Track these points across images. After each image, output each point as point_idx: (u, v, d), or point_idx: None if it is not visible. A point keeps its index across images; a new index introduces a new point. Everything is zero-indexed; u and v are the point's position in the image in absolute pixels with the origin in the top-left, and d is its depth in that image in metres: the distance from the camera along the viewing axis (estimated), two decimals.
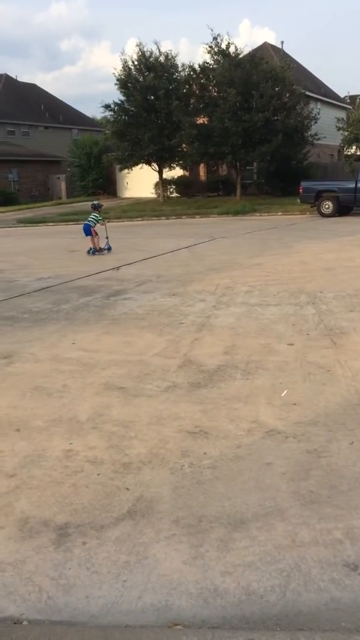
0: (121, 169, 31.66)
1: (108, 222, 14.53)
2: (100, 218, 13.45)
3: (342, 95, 40.55)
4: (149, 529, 2.58)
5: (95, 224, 13.10)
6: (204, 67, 26.78)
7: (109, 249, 13.03)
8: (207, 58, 26.72)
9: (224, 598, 2.15)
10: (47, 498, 2.86)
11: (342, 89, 55.48)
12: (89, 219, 13.33)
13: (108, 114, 29.50)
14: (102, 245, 12.98)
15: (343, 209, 20.01)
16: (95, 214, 13.43)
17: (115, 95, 37.31)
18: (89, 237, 12.96)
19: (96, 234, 12.92)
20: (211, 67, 26.47)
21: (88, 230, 13.01)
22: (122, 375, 4.63)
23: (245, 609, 2.09)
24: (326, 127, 29.64)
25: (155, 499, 2.81)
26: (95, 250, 12.86)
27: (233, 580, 2.23)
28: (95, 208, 13.83)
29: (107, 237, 13.08)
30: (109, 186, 37.33)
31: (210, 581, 2.24)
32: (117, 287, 8.44)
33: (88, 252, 12.91)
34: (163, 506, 2.75)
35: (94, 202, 14.91)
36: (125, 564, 2.36)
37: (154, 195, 32.91)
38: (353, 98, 37.05)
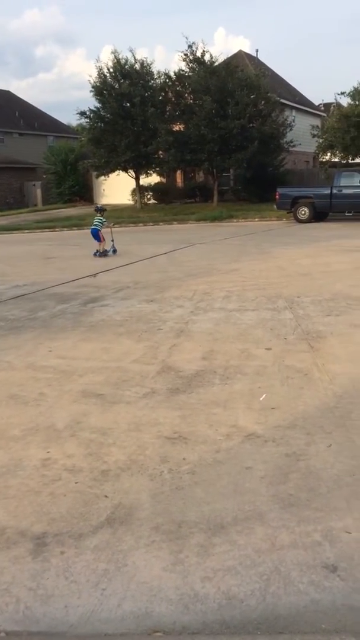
0: (98, 176, 31.61)
1: (114, 225, 15.15)
2: (104, 221, 13.88)
3: (316, 103, 41.10)
4: (128, 536, 2.55)
5: (101, 227, 13.54)
6: (180, 75, 26.95)
7: (115, 251, 13.51)
8: (183, 66, 26.91)
9: (204, 603, 2.13)
10: (24, 508, 2.82)
11: (317, 97, 56.25)
12: (95, 222, 13.77)
13: (84, 121, 29.47)
14: (106, 248, 13.50)
15: (319, 215, 20.24)
16: (99, 217, 13.84)
17: (91, 102, 37.27)
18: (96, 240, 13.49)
19: (104, 237, 13.44)
20: (187, 74, 26.64)
21: (96, 234, 13.46)
22: (100, 382, 4.60)
23: (225, 613, 2.08)
24: (301, 134, 30.01)
25: (135, 505, 2.79)
26: (101, 253, 13.33)
27: (213, 585, 2.22)
28: (99, 211, 14.31)
29: (112, 240, 13.59)
30: (85, 193, 37.21)
31: (190, 587, 2.22)
32: (94, 294, 8.40)
33: (94, 254, 13.35)
34: (142, 513, 2.73)
35: (97, 205, 15.83)
36: (105, 572, 2.33)
37: (131, 202, 32.90)
38: (327, 106, 37.57)
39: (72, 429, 3.71)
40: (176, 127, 26.98)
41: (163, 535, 2.55)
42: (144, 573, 2.31)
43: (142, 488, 2.95)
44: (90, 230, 14.10)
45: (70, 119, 57.98)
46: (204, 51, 26.40)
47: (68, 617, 2.11)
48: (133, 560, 2.39)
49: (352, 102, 23.70)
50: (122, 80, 27.61)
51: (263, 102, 25.96)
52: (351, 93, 23.85)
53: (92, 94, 28.03)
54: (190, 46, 26.31)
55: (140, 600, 2.17)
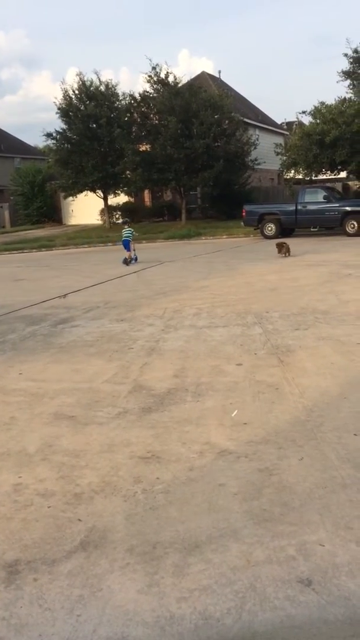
0: (66, 197, 31.63)
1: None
2: (133, 232, 15.99)
3: (279, 122, 42.00)
4: (103, 560, 2.52)
5: (132, 237, 15.57)
6: (145, 96, 27.29)
7: (136, 259, 15.40)
8: (147, 87, 27.25)
9: (180, 624, 2.12)
10: None
11: (279, 116, 57.49)
12: (126, 234, 15.66)
13: (50, 142, 29.55)
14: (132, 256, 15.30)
15: (285, 231, 20.58)
16: (129, 229, 15.81)
17: (57, 123, 37.39)
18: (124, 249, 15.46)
19: (134, 247, 15.45)
20: (151, 95, 26.99)
21: (128, 245, 15.42)
22: (72, 403, 4.56)
23: (202, 634, 2.07)
24: (265, 152, 30.56)
25: (108, 528, 2.77)
26: (129, 260, 15.12)
27: (189, 606, 2.21)
28: (126, 223, 16.76)
29: (134, 249, 15.54)
30: (54, 214, 37.13)
31: (166, 608, 2.21)
32: (64, 315, 8.35)
33: (124, 262, 15.11)
34: (116, 535, 2.70)
35: (125, 219, 18.82)
36: (79, 597, 2.30)
37: (100, 222, 32.94)
38: (289, 124, 38.41)
39: (43, 453, 3.67)
40: (142, 147, 27.24)
41: (138, 557, 2.53)
42: (119, 596, 2.29)
43: (115, 510, 2.92)
44: (122, 241, 15.94)
45: (37, 141, 57.99)
46: (167, 73, 26.84)
47: None
48: (108, 584, 2.37)
49: (313, 121, 24.28)
50: (87, 102, 27.83)
51: (227, 121, 26.45)
52: (312, 112, 24.44)
53: (58, 115, 28.18)
54: (154, 68, 26.69)
55: (116, 624, 2.14)
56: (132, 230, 16.03)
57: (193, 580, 2.35)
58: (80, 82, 28.05)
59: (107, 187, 29.14)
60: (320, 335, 6.11)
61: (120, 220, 32.27)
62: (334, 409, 4.05)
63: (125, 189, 29.51)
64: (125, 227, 16.23)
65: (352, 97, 24.56)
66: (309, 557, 2.44)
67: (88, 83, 28.15)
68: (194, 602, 2.23)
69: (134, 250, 15.50)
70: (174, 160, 24.88)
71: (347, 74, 25.40)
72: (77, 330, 7.24)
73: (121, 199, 31.60)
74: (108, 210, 31.14)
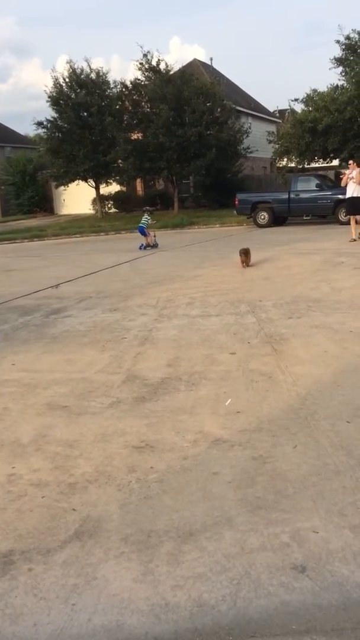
0: (57, 186, 31.43)
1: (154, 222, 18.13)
2: (149, 219, 16.87)
3: (271, 110, 41.80)
4: (97, 549, 2.53)
5: (147, 225, 16.55)
6: (136, 84, 27.07)
7: (156, 245, 16.21)
8: (139, 75, 27.04)
9: (175, 612, 2.13)
10: None
11: (271, 104, 57.21)
12: (143, 221, 16.67)
13: (41, 131, 29.32)
14: (149, 242, 16.16)
15: (278, 220, 20.56)
16: (147, 217, 16.78)
17: (48, 112, 37.03)
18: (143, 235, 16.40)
19: (149, 233, 16.38)
20: (143, 83, 26.77)
21: (143, 231, 16.44)
22: (65, 394, 4.55)
23: (197, 621, 2.08)
24: (258, 140, 30.45)
25: (103, 517, 2.77)
26: (147, 246, 16.02)
27: (184, 594, 2.22)
28: (146, 211, 17.51)
29: (154, 235, 16.50)
30: (45, 203, 36.92)
31: (161, 596, 2.21)
32: (57, 305, 8.32)
33: (140, 247, 15.96)
34: (111, 524, 2.71)
35: (146, 207, 19.26)
36: (74, 587, 2.30)
37: (92, 212, 32.79)
38: (282, 112, 38.27)
39: (37, 443, 3.66)
40: (134, 136, 27.08)
41: (132, 545, 2.53)
42: (114, 585, 2.29)
43: (110, 499, 2.93)
44: (137, 227, 16.95)
45: (28, 130, 57.56)
46: (159, 60, 26.63)
47: (38, 635, 2.07)
48: (103, 573, 2.37)
49: (305, 109, 24.17)
50: (78, 90, 27.58)
51: (219, 109, 26.31)
52: (304, 99, 24.32)
53: (48, 104, 27.93)
54: (145, 55, 26.47)
55: (111, 613, 2.15)
56: (149, 218, 16.91)
57: (188, 568, 2.36)
58: (71, 70, 27.80)
59: (98, 176, 28.98)
60: (314, 323, 6.11)
61: (112, 210, 32.20)
62: (327, 397, 4.06)
63: (117, 178, 29.36)
64: (145, 214, 17.05)
65: (345, 84, 24.45)
66: (302, 543, 2.45)
67: (79, 71, 27.90)
68: (188, 590, 2.23)
69: (154, 236, 16.41)
70: (166, 148, 24.76)
71: (339, 61, 25.26)
72: (69, 321, 7.22)
73: (113, 188, 31.46)
74: (100, 199, 30.99)
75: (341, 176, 14.75)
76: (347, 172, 14.15)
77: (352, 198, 13.92)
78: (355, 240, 13.46)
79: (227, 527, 2.61)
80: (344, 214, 18.72)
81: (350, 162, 14.61)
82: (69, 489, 3.06)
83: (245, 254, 10.52)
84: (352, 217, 14.07)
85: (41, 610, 2.19)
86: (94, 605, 2.19)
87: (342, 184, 14.34)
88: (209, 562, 2.38)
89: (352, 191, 13.84)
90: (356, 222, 13.86)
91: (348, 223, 18.45)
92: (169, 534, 2.59)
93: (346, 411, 3.78)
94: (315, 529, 2.55)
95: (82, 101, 26.83)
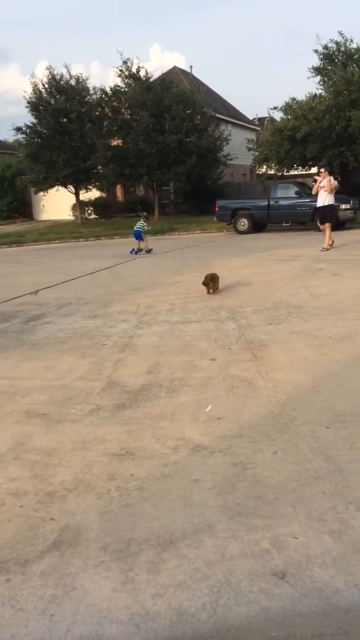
0: (36, 192, 31.27)
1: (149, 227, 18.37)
2: (146, 225, 17.07)
3: (250, 118, 42.14)
4: (77, 559, 2.50)
5: (144, 229, 16.61)
6: (116, 91, 27.10)
7: (149, 250, 16.33)
8: (119, 81, 27.08)
9: (155, 621, 2.11)
10: None
11: (251, 112, 57.71)
12: (138, 225, 16.69)
13: (20, 136, 29.15)
14: (142, 248, 16.29)
15: (258, 226, 20.72)
16: (142, 222, 16.84)
17: (27, 118, 36.85)
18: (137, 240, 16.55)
19: (145, 238, 16.46)
20: (122, 90, 26.82)
21: (139, 235, 16.48)
22: (44, 401, 4.50)
23: (177, 630, 2.06)
24: (237, 147, 30.68)
25: (82, 526, 2.74)
26: (139, 250, 16.16)
27: (164, 602, 2.20)
28: (143, 217, 17.70)
29: (146, 241, 16.55)
30: (24, 209, 36.68)
31: (141, 605, 2.19)
32: (36, 312, 8.25)
33: (131, 252, 16.14)
34: (90, 533, 2.68)
35: (143, 213, 19.29)
36: (53, 597, 2.27)
37: (72, 218, 32.66)
38: (261, 120, 38.58)
39: (15, 452, 3.61)
40: (114, 142, 27.08)
41: (112, 554, 2.51)
42: (93, 595, 2.27)
43: (89, 508, 2.90)
44: (133, 231, 16.96)
45: (7, 135, 57.14)
46: (139, 67, 26.72)
47: None
48: (82, 583, 2.34)
49: (284, 117, 24.46)
50: (57, 96, 27.53)
51: (199, 116, 26.48)
52: (283, 108, 24.62)
53: (27, 109, 27.80)
54: (125, 62, 26.53)
55: (90, 623, 2.12)
56: (145, 223, 17.04)
57: (168, 576, 2.34)
58: (50, 76, 27.74)
59: (78, 182, 28.91)
60: (293, 329, 6.15)
61: (92, 216, 32.11)
62: (307, 403, 4.09)
63: (97, 184, 29.33)
64: (141, 219, 17.18)
65: (323, 93, 24.80)
66: (282, 549, 2.45)
67: (58, 77, 27.86)
68: (168, 598, 2.22)
69: (146, 242, 16.54)
70: (146, 155, 24.81)
71: (317, 70, 25.65)
72: (49, 327, 7.16)
73: (93, 194, 31.40)
74: (80, 205, 30.88)
75: (312, 184, 14.73)
76: (318, 179, 14.04)
77: (322, 207, 13.88)
78: (326, 249, 13.32)
79: (208, 534, 2.60)
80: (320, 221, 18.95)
81: (322, 170, 14.52)
82: (48, 498, 3.02)
83: (212, 279, 8.68)
84: (324, 226, 13.85)
85: (19, 621, 2.15)
86: (73, 615, 2.16)
87: (313, 192, 14.24)
88: (189, 570, 2.37)
89: (323, 200, 13.74)
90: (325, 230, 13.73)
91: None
92: (149, 542, 2.58)
93: (325, 417, 3.80)
94: (295, 534, 2.55)
95: (62, 107, 26.78)
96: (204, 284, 8.66)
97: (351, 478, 2.99)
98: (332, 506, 2.75)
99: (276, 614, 2.09)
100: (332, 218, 14.16)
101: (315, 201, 16.72)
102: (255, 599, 2.17)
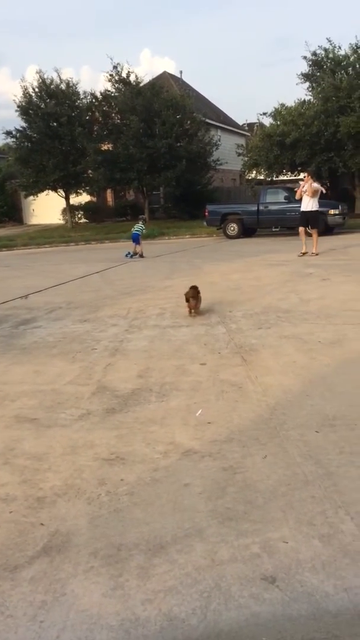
0: (26, 196, 31.18)
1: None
2: (144, 227, 17.05)
3: (240, 123, 42.37)
4: (66, 564, 2.49)
5: (142, 233, 16.48)
6: (106, 95, 27.14)
7: (141, 254, 16.20)
8: (109, 86, 27.12)
9: (145, 627, 2.10)
10: None
11: (241, 117, 57.98)
12: (137, 228, 16.47)
13: (10, 140, 29.10)
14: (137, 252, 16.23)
15: (247, 231, 20.80)
16: (141, 225, 16.76)
17: (17, 121, 36.80)
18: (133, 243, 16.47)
19: (141, 242, 16.27)
20: (113, 94, 26.86)
21: (137, 238, 16.24)
22: (34, 406, 4.48)
23: (167, 635, 2.06)
24: (227, 153, 30.80)
25: (72, 532, 2.73)
26: (135, 254, 16.08)
27: (154, 608, 2.20)
28: (141, 220, 17.86)
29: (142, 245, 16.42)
30: (14, 213, 36.56)
31: (131, 611, 2.19)
32: (26, 316, 8.22)
33: (126, 255, 16.07)
34: (80, 539, 2.67)
35: (142, 215, 19.74)
36: (42, 603, 2.26)
37: (62, 222, 32.60)
38: (251, 125, 38.80)
39: (4, 457, 3.59)
40: (104, 147, 27.09)
41: (102, 560, 2.50)
42: (83, 601, 2.26)
43: (79, 513, 2.89)
44: (131, 234, 16.74)
45: None
46: (129, 72, 26.77)
47: None
48: (72, 589, 2.33)
49: (273, 123, 24.61)
50: (48, 100, 27.52)
51: (189, 121, 26.57)
52: (272, 114, 24.77)
53: (17, 113, 27.75)
54: (115, 67, 26.59)
55: (80, 629, 2.11)
56: (144, 227, 17.04)
57: (158, 581, 2.34)
58: (41, 80, 27.73)
59: (68, 186, 28.88)
60: (283, 333, 6.18)
61: (82, 220, 32.07)
62: (297, 407, 4.10)
63: (87, 188, 29.33)
64: (140, 222, 17.13)
65: (311, 100, 24.98)
66: (272, 554, 2.46)
67: (48, 81, 27.85)
68: (159, 604, 2.21)
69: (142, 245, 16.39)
70: (136, 159, 24.84)
71: (306, 77, 25.87)
72: (39, 332, 7.14)
73: (83, 198, 31.37)
74: (70, 209, 30.84)
75: (295, 189, 14.66)
76: (302, 184, 13.88)
77: (308, 212, 13.65)
78: (303, 254, 13.18)
79: (198, 539, 2.60)
80: (309, 227, 19.05)
81: (305, 174, 14.45)
82: (38, 503, 3.01)
83: (194, 296, 7.39)
84: (304, 230, 13.65)
85: (8, 628, 2.14)
86: (63, 621, 2.16)
87: (297, 197, 14.12)
88: (179, 575, 2.37)
89: (306, 204, 13.59)
90: (307, 235, 13.60)
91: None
92: (139, 547, 2.57)
93: (315, 421, 3.82)
94: (285, 539, 2.56)
95: (52, 111, 26.76)
96: (186, 300, 7.44)
97: (340, 482, 3.00)
98: (321, 510, 2.76)
99: (266, 618, 2.10)
100: (320, 224, 14.15)
101: (317, 204, 16.54)
102: (246, 604, 2.17)
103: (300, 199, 13.86)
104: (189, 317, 7.34)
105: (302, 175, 26.53)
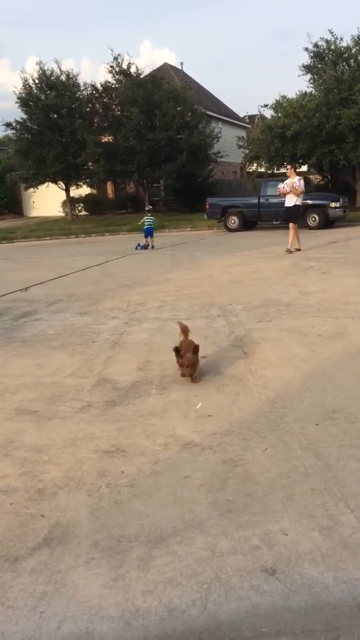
0: (26, 188, 31.09)
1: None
2: (154, 219, 17.12)
3: (241, 115, 42.18)
4: (67, 556, 2.50)
5: (154, 225, 16.75)
6: (106, 87, 27.01)
7: (145, 247, 16.33)
8: (109, 78, 26.99)
9: (145, 618, 2.11)
10: None
11: (241, 109, 57.76)
12: (149, 222, 16.59)
13: (10, 132, 28.98)
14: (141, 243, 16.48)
15: (248, 224, 20.75)
16: (151, 217, 16.91)
17: (17, 113, 36.64)
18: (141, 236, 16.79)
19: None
20: (113, 86, 26.73)
21: (151, 232, 16.51)
22: (34, 398, 4.49)
23: (167, 626, 2.07)
24: (228, 145, 30.67)
25: (72, 523, 2.74)
26: (144, 246, 16.27)
27: (154, 599, 2.21)
28: (149, 211, 17.86)
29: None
30: (14, 205, 36.46)
31: (132, 602, 2.20)
32: (26, 309, 8.21)
33: (136, 247, 16.30)
34: (81, 530, 2.68)
35: (149, 206, 19.53)
36: (43, 594, 2.27)
37: (62, 214, 32.52)
38: (252, 118, 38.66)
39: (5, 449, 3.60)
40: (105, 139, 27.00)
41: (102, 551, 2.51)
42: (84, 592, 2.27)
43: (80, 505, 2.89)
44: (145, 228, 16.64)
45: None
46: (129, 63, 26.63)
47: None
48: (72, 580, 2.34)
49: (274, 115, 24.50)
50: (48, 92, 27.37)
51: (190, 113, 26.46)
52: (273, 106, 24.66)
53: (17, 105, 27.62)
54: (116, 58, 26.45)
55: (81, 620, 2.12)
56: (153, 218, 17.09)
57: (158, 572, 2.35)
58: (41, 72, 27.58)
59: (69, 178, 28.78)
60: (283, 327, 6.18)
61: (82, 213, 31.99)
62: (297, 400, 4.10)
63: (88, 180, 29.23)
64: (148, 214, 17.15)
65: (313, 92, 24.86)
66: (272, 546, 2.47)
67: (48, 72, 27.68)
68: (159, 595, 2.22)
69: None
70: (137, 152, 24.75)
71: (307, 68, 25.73)
72: (39, 324, 7.14)
73: (83, 190, 31.27)
74: (70, 202, 30.75)
75: (278, 187, 13.63)
76: (287, 182, 13.19)
77: (288, 207, 13.15)
78: (290, 252, 12.72)
79: (198, 530, 2.61)
80: (313, 219, 18.97)
81: (288, 167, 13.82)
82: (38, 495, 3.01)
83: (190, 365, 4.53)
84: (292, 227, 13.06)
85: (9, 619, 2.15)
86: (64, 612, 2.16)
87: (281, 193, 13.44)
88: (179, 567, 2.37)
89: (290, 201, 13.02)
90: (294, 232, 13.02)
91: (317, 228, 18.78)
92: (139, 539, 2.58)
93: (315, 414, 3.83)
94: (285, 531, 2.57)
95: (52, 103, 26.62)
96: (177, 357, 4.64)
97: (340, 475, 3.01)
98: (321, 503, 2.77)
99: (266, 610, 2.11)
100: (298, 218, 13.44)
101: (306, 199, 16.24)
102: (246, 595, 2.18)
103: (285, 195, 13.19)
104: (189, 310, 7.33)
105: (304, 168, 26.47)
